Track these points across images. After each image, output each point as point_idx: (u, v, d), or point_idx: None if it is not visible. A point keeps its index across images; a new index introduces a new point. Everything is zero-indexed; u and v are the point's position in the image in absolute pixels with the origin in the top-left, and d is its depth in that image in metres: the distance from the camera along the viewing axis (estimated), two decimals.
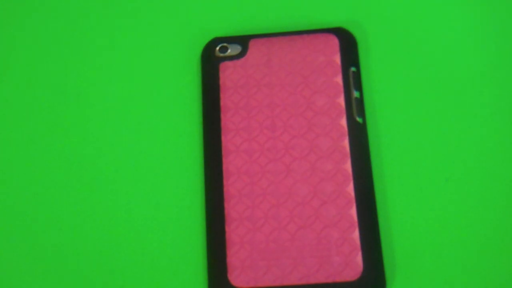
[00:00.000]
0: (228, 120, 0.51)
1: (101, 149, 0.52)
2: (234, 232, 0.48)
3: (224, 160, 0.50)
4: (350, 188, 0.49)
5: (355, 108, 0.51)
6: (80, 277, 0.49)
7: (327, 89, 0.51)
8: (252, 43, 0.53)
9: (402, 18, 0.54)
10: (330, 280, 0.47)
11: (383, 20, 0.54)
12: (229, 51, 0.53)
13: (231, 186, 0.49)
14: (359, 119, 0.51)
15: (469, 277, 0.48)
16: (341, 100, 0.51)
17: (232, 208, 0.49)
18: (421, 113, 0.51)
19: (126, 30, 0.55)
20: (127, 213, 0.50)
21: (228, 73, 0.52)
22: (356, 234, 0.48)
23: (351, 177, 0.49)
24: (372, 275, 0.47)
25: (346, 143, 0.50)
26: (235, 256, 0.48)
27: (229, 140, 0.50)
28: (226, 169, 0.50)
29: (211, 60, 0.53)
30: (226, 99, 0.51)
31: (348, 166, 0.49)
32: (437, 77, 0.52)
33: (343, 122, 0.50)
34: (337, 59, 0.52)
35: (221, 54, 0.53)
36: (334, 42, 0.52)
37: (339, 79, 0.51)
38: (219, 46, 0.53)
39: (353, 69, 0.52)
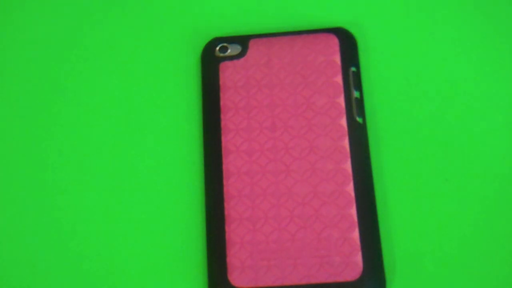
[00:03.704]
0: (228, 120, 0.51)
1: (101, 149, 0.52)
2: (234, 232, 0.48)
3: (224, 160, 0.50)
4: (350, 188, 0.49)
5: (355, 108, 0.51)
6: (80, 278, 0.49)
7: (327, 89, 0.51)
8: (252, 43, 0.53)
9: (402, 18, 0.54)
10: (330, 280, 0.47)
11: (383, 20, 0.54)
12: (229, 51, 0.53)
13: (231, 186, 0.49)
14: (359, 119, 0.51)
15: (469, 277, 0.48)
16: (341, 100, 0.51)
17: (232, 208, 0.49)
18: (421, 113, 0.51)
19: (125, 30, 0.55)
20: (127, 213, 0.50)
21: (228, 73, 0.52)
22: (356, 234, 0.48)
23: (351, 177, 0.49)
24: (372, 275, 0.47)
25: (346, 143, 0.50)
26: (235, 256, 0.48)
27: (229, 140, 0.50)
28: (226, 169, 0.50)
29: (211, 60, 0.53)
30: (226, 99, 0.51)
31: (348, 166, 0.49)
32: (437, 76, 0.52)
33: (343, 122, 0.50)
34: (337, 59, 0.52)
35: (221, 54, 0.53)
36: (334, 42, 0.52)
37: (339, 79, 0.51)
38: (219, 46, 0.53)
39: (353, 69, 0.52)
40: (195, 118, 0.52)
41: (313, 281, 0.47)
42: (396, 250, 0.48)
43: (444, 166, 0.50)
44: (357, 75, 0.52)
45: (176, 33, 0.54)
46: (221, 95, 0.52)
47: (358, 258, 0.47)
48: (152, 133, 0.52)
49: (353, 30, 0.54)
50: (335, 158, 0.49)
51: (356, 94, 0.51)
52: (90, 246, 0.49)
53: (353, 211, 0.48)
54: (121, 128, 0.52)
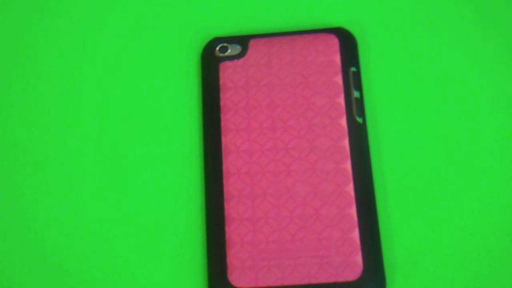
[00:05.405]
0: (228, 120, 0.51)
1: (100, 149, 0.52)
2: (234, 232, 0.48)
3: (224, 160, 0.50)
4: (350, 188, 0.49)
5: (355, 108, 0.51)
6: (79, 278, 0.49)
7: (327, 89, 0.51)
8: (252, 43, 0.53)
9: (402, 18, 0.54)
10: (330, 280, 0.47)
11: (383, 20, 0.54)
12: (229, 51, 0.53)
13: (231, 186, 0.49)
14: (359, 119, 0.51)
15: (469, 277, 0.48)
16: (341, 100, 0.51)
17: (232, 208, 0.49)
18: (421, 113, 0.51)
19: (126, 30, 0.55)
20: (127, 213, 0.50)
21: (228, 73, 0.52)
22: (356, 234, 0.48)
23: (351, 177, 0.49)
24: (372, 275, 0.47)
25: (346, 143, 0.50)
26: (235, 256, 0.48)
27: (229, 140, 0.50)
28: (226, 169, 0.50)
29: (211, 60, 0.53)
30: (226, 99, 0.51)
31: (348, 166, 0.49)
32: (437, 77, 0.52)
33: (343, 122, 0.50)
34: (337, 59, 0.52)
35: (221, 54, 0.53)
36: (334, 42, 0.52)
37: (339, 79, 0.51)
38: (219, 46, 0.53)
39: (353, 69, 0.52)
40: (195, 118, 0.52)
41: (313, 281, 0.47)
42: (396, 250, 0.48)
43: (444, 166, 0.50)
44: (357, 75, 0.52)
45: (176, 33, 0.54)
46: (221, 95, 0.52)
47: (358, 258, 0.47)
48: (152, 133, 0.52)
49: (353, 30, 0.54)
50: (335, 158, 0.50)
51: (356, 94, 0.51)
52: (90, 246, 0.49)
53: (353, 211, 0.48)
54: (121, 128, 0.52)
